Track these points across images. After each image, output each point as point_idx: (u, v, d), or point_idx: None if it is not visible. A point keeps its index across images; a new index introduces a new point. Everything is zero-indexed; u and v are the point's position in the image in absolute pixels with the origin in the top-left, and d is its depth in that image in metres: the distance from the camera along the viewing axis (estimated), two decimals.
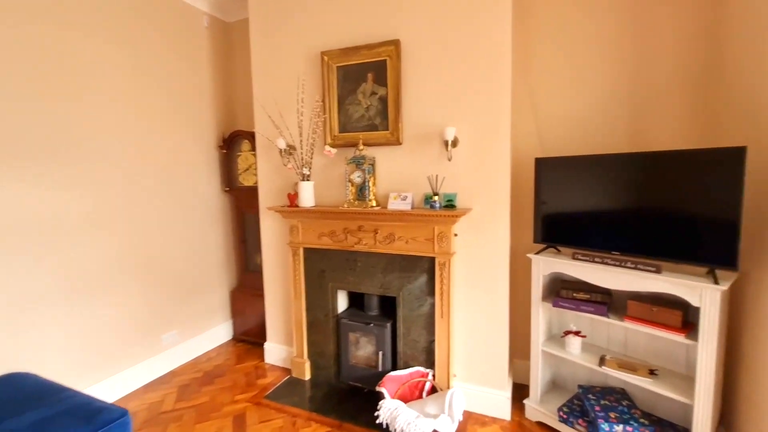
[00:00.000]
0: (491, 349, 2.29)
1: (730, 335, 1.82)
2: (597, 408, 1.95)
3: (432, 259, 2.27)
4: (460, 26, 2.18)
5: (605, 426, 1.85)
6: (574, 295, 2.08)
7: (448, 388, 2.26)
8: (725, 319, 1.73)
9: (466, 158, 2.24)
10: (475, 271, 2.28)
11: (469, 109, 2.21)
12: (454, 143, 2.19)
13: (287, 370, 2.85)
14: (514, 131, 2.30)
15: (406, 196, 2.32)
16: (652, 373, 1.89)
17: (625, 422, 1.86)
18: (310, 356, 2.74)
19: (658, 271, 1.74)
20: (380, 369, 2.48)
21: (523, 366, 2.49)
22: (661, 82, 2.15)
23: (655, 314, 1.80)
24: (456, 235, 2.25)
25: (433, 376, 2.33)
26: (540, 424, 2.21)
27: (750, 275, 1.70)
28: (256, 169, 3.00)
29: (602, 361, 2.01)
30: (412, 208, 2.30)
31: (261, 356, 3.06)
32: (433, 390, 2.30)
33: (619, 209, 1.91)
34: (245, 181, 3.27)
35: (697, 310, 1.65)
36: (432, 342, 2.33)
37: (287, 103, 2.67)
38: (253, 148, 3.01)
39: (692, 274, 1.70)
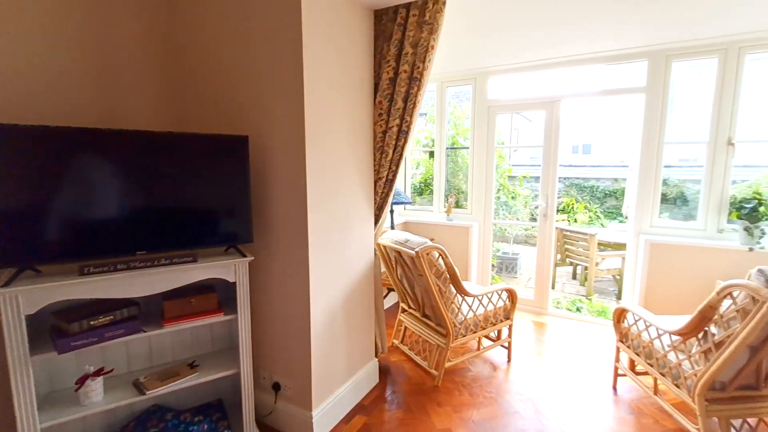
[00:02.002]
0: None
1: None
2: None
3: None
4: None
5: None
6: (92, 323, 1.47)
7: None
8: None
9: None
10: None
11: None
12: None
13: None
14: None
15: None
16: (192, 366, 1.79)
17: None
18: None
19: (194, 260, 1.64)
20: None
21: None
22: (130, 63, 1.92)
23: (195, 306, 1.70)
24: None
25: None
26: None
27: (258, 244, 2.00)
28: None
29: (140, 387, 1.62)
30: None
31: None
32: None
33: (128, 199, 1.54)
34: None
35: (230, 286, 1.75)
36: None
37: None
38: None
39: (212, 255, 1.75)
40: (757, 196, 2.77)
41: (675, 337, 1.98)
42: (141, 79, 2.01)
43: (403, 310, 2.95)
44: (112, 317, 1.53)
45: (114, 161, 1.50)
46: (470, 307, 2.55)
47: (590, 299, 4.58)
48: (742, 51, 2.73)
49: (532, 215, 6.28)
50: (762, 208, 2.72)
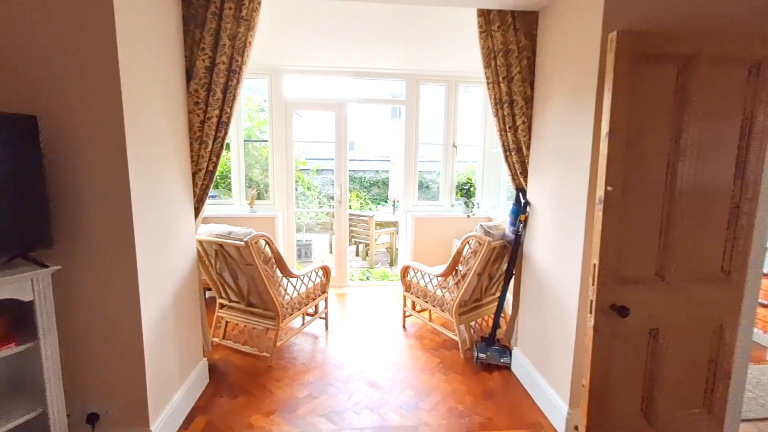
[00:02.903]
0: None
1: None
2: None
3: None
4: None
5: None
6: None
7: None
8: None
9: None
10: None
11: None
12: None
13: None
14: None
15: None
16: None
17: None
18: None
19: None
20: None
21: None
22: None
23: None
24: None
25: None
26: None
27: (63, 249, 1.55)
28: None
29: None
30: None
31: None
32: None
33: None
34: None
35: (24, 306, 1.37)
36: None
37: None
38: None
39: None
40: (469, 181, 4.21)
41: (440, 279, 2.88)
42: None
43: (222, 306, 2.89)
44: None
45: None
46: (294, 287, 2.81)
47: (373, 269, 5.61)
48: (458, 83, 4.06)
49: (320, 203, 6.96)
50: (472, 189, 4.17)
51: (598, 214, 1.64)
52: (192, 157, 2.20)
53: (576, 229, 1.91)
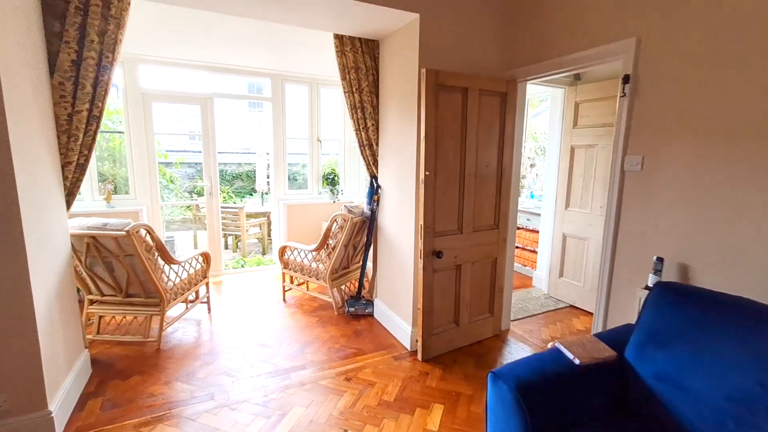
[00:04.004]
0: None
1: None
2: None
3: None
4: None
5: None
6: None
7: None
8: None
9: None
10: None
11: None
12: None
13: None
14: None
15: None
16: None
17: None
18: None
19: None
20: None
21: None
22: None
23: None
24: None
25: None
26: None
27: None
28: None
29: None
30: None
31: None
32: None
33: None
34: None
35: None
36: None
37: None
38: None
39: None
40: (333, 171, 4.84)
41: (314, 253, 3.43)
42: None
43: (92, 302, 2.83)
44: None
45: None
46: (177, 273, 2.96)
47: (246, 258, 5.77)
48: (319, 85, 4.60)
49: (179, 197, 6.60)
50: (336, 178, 4.81)
51: (421, 190, 2.44)
52: (60, 149, 2.19)
53: (410, 201, 2.71)
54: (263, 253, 6.24)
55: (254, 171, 8.67)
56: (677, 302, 1.51)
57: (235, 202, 9.86)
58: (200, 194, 7.22)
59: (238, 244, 6.08)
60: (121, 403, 2.16)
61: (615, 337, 1.69)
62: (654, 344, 1.50)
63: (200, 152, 4.26)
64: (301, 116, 4.69)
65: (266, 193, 7.52)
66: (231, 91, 4.15)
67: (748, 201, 1.62)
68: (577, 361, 1.52)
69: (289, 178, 4.71)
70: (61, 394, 1.96)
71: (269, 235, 6.27)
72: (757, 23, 1.56)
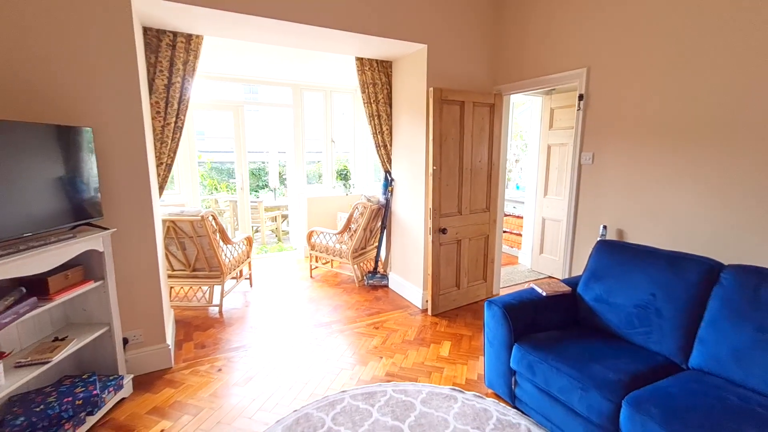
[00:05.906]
0: None
1: None
2: None
3: None
4: None
5: None
6: None
7: None
8: None
9: None
10: None
11: None
12: None
13: None
14: None
15: None
16: (60, 339, 1.94)
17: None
18: None
19: (74, 236, 1.88)
20: None
21: None
22: None
23: (71, 279, 1.90)
24: None
25: None
26: None
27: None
28: None
29: (35, 361, 1.74)
30: None
31: None
32: None
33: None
34: None
35: (97, 257, 2.05)
36: None
37: None
38: None
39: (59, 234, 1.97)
40: (345, 168, 5.54)
41: (338, 236, 4.14)
42: None
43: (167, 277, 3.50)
44: (14, 299, 1.61)
45: None
46: (231, 252, 3.64)
47: (266, 246, 6.44)
48: (332, 92, 5.28)
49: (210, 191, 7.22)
50: (348, 173, 5.51)
51: (429, 181, 3.16)
52: (156, 153, 2.86)
53: (420, 190, 3.42)
54: (279, 241, 6.91)
55: (259, 168, 9.32)
56: (609, 252, 2.26)
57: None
58: (217, 190, 7.85)
59: (256, 233, 6.74)
60: (207, 344, 2.85)
61: (572, 281, 2.45)
62: (594, 279, 2.25)
63: (221, 152, 4.90)
64: (317, 120, 5.36)
65: (278, 189, 8.18)
66: (259, 100, 4.79)
67: (661, 181, 2.37)
68: (544, 294, 2.27)
69: (307, 175, 5.38)
70: (170, 334, 2.65)
71: (287, 226, 6.93)
72: (661, 56, 2.31)
